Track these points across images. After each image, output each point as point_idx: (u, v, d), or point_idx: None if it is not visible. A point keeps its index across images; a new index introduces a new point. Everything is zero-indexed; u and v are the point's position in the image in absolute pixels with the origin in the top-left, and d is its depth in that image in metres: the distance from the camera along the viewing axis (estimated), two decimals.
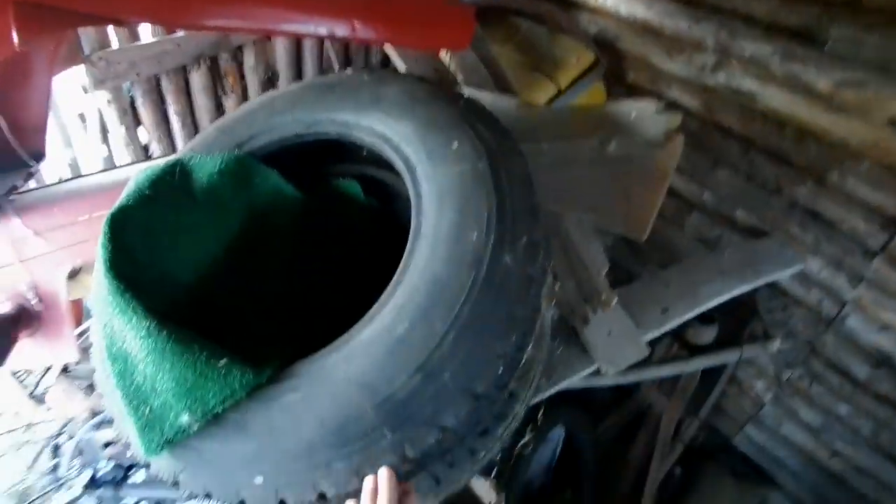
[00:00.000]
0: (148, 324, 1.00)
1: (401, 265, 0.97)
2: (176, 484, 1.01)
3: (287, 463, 0.89)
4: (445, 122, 1.11)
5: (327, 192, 1.44)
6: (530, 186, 1.04)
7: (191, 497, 1.02)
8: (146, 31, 2.09)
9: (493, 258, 0.92)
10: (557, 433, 2.03)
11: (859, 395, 2.03)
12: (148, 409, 0.99)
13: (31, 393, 2.65)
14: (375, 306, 0.95)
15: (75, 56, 1.97)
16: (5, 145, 1.72)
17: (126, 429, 1.02)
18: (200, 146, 1.36)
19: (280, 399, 0.93)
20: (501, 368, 0.88)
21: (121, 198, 1.19)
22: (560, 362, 1.37)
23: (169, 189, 1.26)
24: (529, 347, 0.96)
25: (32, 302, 1.84)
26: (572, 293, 1.33)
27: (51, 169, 2.97)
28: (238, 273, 1.30)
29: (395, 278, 0.96)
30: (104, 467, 1.36)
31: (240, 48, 2.32)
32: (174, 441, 0.95)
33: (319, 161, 1.47)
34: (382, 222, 1.42)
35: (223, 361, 0.97)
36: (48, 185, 2.01)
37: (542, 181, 1.14)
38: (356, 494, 0.79)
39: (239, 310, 1.25)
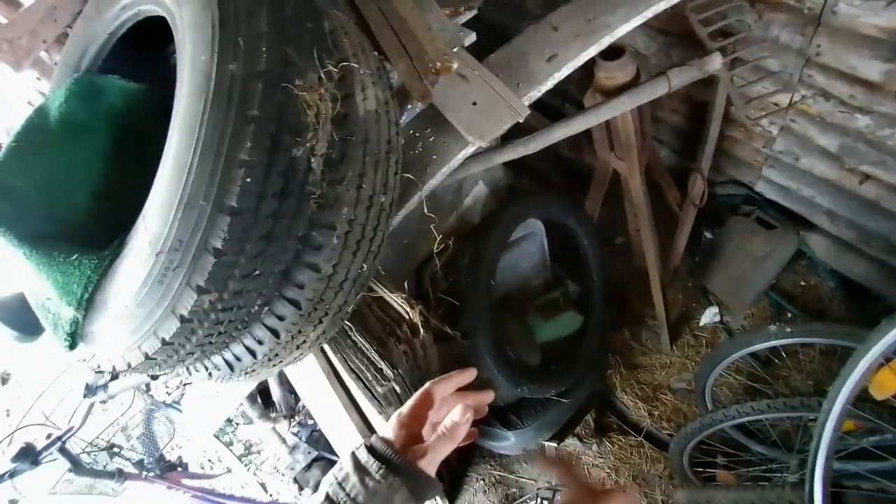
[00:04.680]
0: (23, 249, 1.14)
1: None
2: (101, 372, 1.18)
3: (131, 321, 0.99)
4: None
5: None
6: None
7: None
8: None
9: (220, 72, 0.90)
10: (532, 227, 1.99)
11: (877, 101, 1.72)
12: (52, 315, 1.15)
13: None
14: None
15: None
16: None
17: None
18: (53, 85, 1.44)
19: (116, 270, 1.02)
20: (251, 178, 0.88)
21: None
22: (437, 151, 1.32)
23: (33, 134, 1.36)
24: (305, 145, 0.95)
25: None
26: (406, 74, 1.25)
27: None
28: (124, 175, 1.40)
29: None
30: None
31: None
32: (75, 333, 1.10)
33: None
34: None
35: (75, 256, 1.09)
36: None
37: None
38: None
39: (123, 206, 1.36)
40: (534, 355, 1.99)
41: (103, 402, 1.65)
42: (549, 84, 1.36)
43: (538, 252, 2.07)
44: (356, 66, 1.11)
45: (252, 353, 1.17)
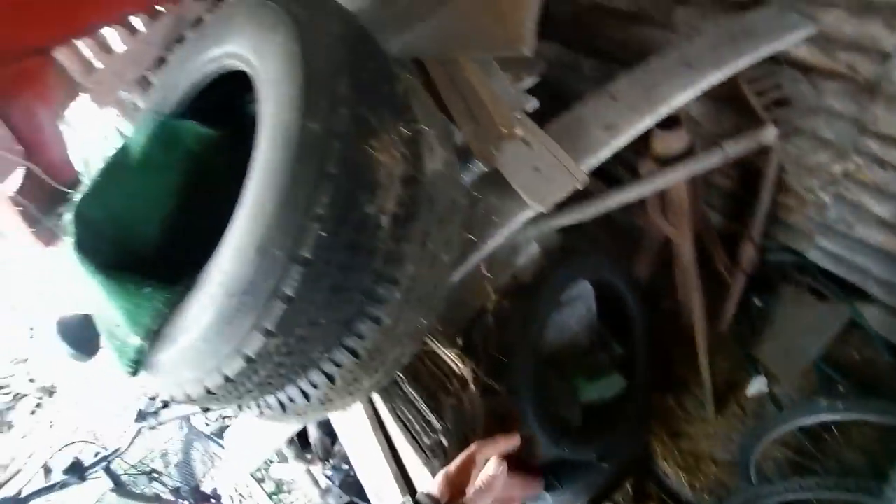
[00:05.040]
0: (98, 277, 1.21)
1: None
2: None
3: (197, 356, 1.04)
4: (267, 15, 1.14)
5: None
6: (348, 44, 1.05)
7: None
8: (116, 42, 2.31)
9: (302, 130, 0.96)
10: (582, 288, 1.99)
11: None
12: (118, 341, 1.21)
13: None
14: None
15: (71, 91, 2.27)
16: (45, 185, 2.07)
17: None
18: (136, 126, 1.54)
19: (185, 306, 1.07)
20: (325, 231, 0.92)
21: (83, 191, 1.40)
22: (498, 213, 1.35)
23: (115, 170, 1.45)
24: (377, 203, 0.99)
25: None
26: (472, 137, 1.30)
27: None
28: (191, 214, 1.48)
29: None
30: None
31: None
32: (139, 361, 1.15)
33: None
34: None
35: (148, 289, 1.15)
36: None
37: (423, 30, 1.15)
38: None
39: (189, 244, 1.43)
40: (576, 415, 1.96)
41: (152, 427, 1.70)
42: (608, 153, 1.39)
43: (587, 313, 2.06)
44: (425, 127, 1.16)
45: (306, 395, 1.19)
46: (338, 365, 1.12)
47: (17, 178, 1.97)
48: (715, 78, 1.51)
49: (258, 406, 1.27)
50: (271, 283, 0.94)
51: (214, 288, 1.01)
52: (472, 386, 1.31)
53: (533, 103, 1.44)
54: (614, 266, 2.07)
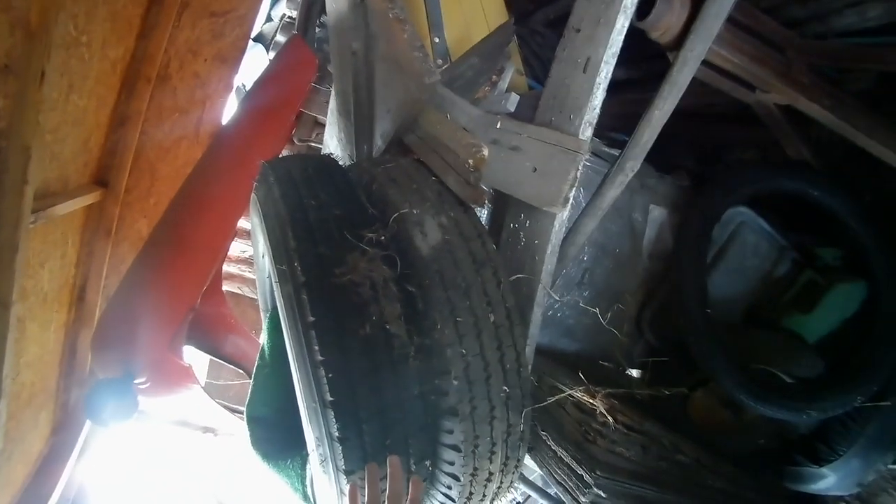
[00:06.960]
0: (267, 464, 1.51)
1: None
2: None
3: None
4: (253, 209, 1.31)
5: None
6: (288, 199, 1.13)
7: None
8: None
9: (282, 294, 1.08)
10: (736, 216, 1.59)
11: None
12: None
13: None
14: None
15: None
16: None
17: None
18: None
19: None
20: (332, 373, 0.99)
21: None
22: (535, 234, 1.20)
23: (260, 371, 1.70)
24: (372, 318, 1.02)
25: None
26: (455, 184, 1.20)
27: None
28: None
29: None
30: None
31: None
32: None
33: None
34: None
35: (288, 461, 1.43)
36: None
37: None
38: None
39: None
40: (811, 362, 1.53)
41: None
42: (599, 94, 1.17)
43: (761, 239, 1.64)
44: (406, 210, 1.13)
45: (450, 498, 1.19)
46: (450, 463, 1.11)
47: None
48: None
49: None
50: (324, 431, 1.02)
51: (311, 447, 1.12)
52: (609, 418, 1.15)
53: (513, 101, 1.29)
54: (762, 168, 1.63)
